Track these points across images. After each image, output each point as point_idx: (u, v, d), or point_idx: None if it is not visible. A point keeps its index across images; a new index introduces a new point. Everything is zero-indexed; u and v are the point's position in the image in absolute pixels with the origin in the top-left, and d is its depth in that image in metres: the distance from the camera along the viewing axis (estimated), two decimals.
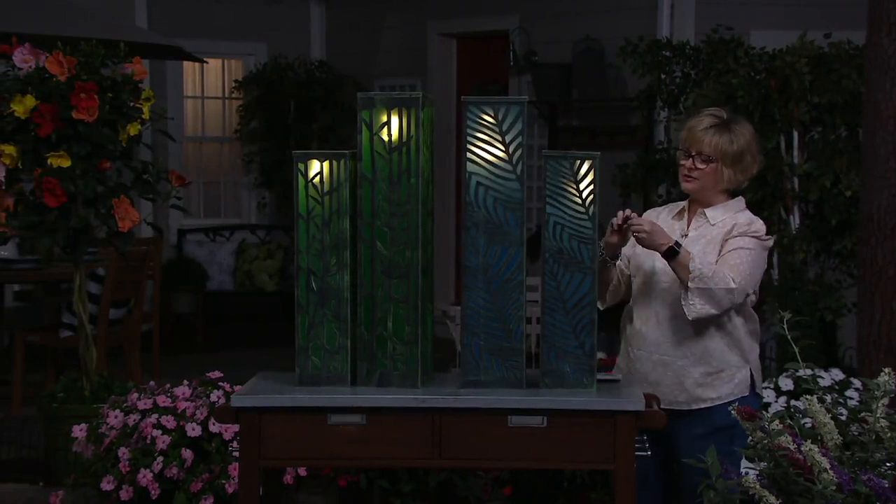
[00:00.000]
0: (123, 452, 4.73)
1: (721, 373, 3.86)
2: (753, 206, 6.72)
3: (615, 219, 3.78)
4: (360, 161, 3.54)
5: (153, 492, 4.66)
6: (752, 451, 3.17)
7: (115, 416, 4.86)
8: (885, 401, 3.17)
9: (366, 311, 3.57)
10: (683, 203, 4.00)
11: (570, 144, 9.01)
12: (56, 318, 7.65)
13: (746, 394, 3.88)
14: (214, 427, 4.74)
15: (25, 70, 5.25)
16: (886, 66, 5.12)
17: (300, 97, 10.86)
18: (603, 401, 3.49)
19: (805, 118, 6.78)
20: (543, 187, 3.56)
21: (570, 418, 3.47)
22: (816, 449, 2.97)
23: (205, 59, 9.81)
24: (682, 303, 3.74)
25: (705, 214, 3.90)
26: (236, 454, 3.58)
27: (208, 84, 11.31)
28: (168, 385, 5.01)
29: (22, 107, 5.16)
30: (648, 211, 4.08)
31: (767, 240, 3.85)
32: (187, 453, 4.70)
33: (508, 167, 3.52)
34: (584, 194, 3.54)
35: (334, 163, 3.56)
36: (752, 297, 3.89)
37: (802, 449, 2.98)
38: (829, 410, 3.23)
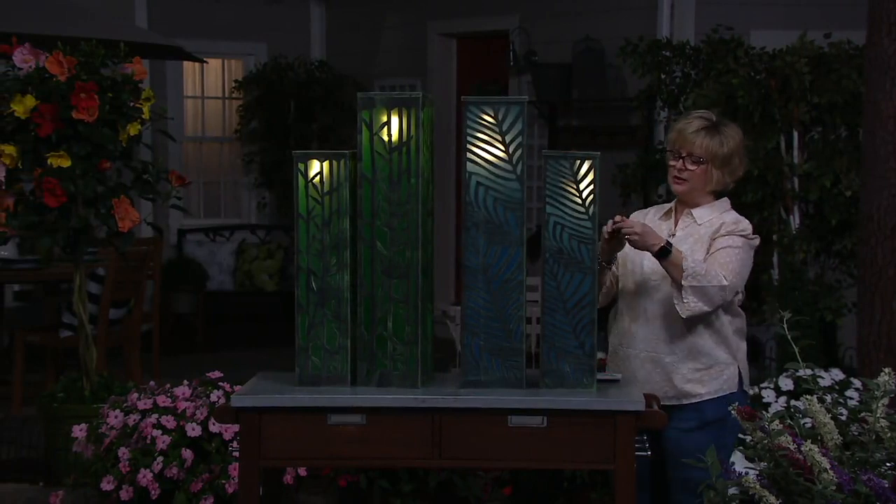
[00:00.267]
0: (123, 452, 4.73)
1: (710, 369, 3.91)
2: (753, 206, 6.79)
3: (606, 227, 3.80)
4: (360, 161, 3.54)
5: (153, 492, 4.66)
6: (752, 451, 3.17)
7: (115, 416, 4.86)
8: (885, 401, 3.17)
9: (366, 311, 3.57)
10: (670, 204, 4.06)
11: (570, 144, 9.01)
12: (56, 318, 7.65)
13: (735, 390, 3.93)
14: (214, 427, 4.74)
15: (25, 70, 5.25)
16: (886, 66, 5.12)
17: (300, 97, 10.86)
18: (603, 401, 3.50)
19: (805, 118, 6.78)
20: (543, 187, 3.57)
21: (570, 418, 3.47)
22: (816, 449, 2.97)
23: (205, 59, 9.80)
24: (676, 301, 3.78)
25: (692, 214, 3.95)
26: (236, 454, 3.58)
27: (208, 84, 11.31)
28: (168, 385, 5.01)
29: (22, 107, 5.16)
30: (635, 213, 4.13)
31: (754, 239, 3.91)
32: (187, 453, 4.70)
33: (508, 167, 3.52)
34: (584, 194, 3.54)
35: (334, 163, 3.56)
36: (740, 296, 3.94)
37: (802, 449, 2.98)
38: (829, 410, 3.23)
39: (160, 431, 4.74)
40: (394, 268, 3.55)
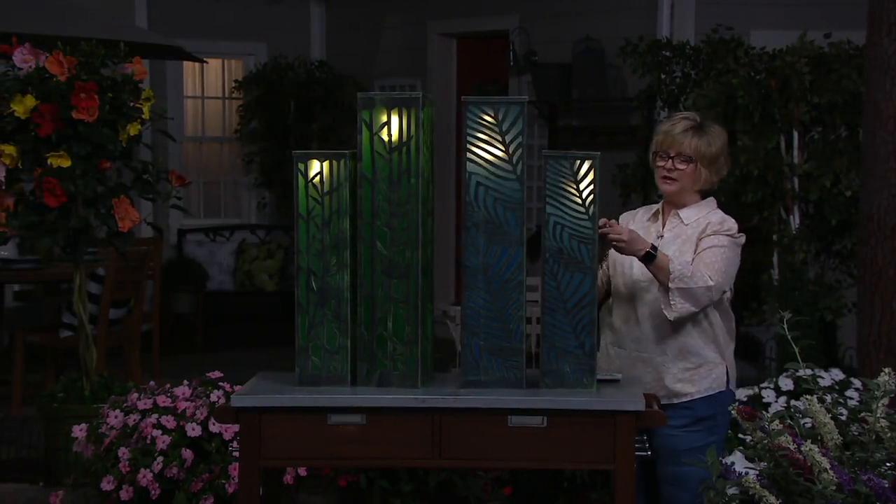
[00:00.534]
0: (123, 452, 4.73)
1: (699, 368, 3.96)
2: (753, 206, 6.79)
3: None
4: (360, 161, 3.54)
5: (153, 492, 4.66)
6: (752, 451, 3.17)
7: (115, 416, 4.86)
8: (885, 401, 3.17)
9: (366, 311, 3.57)
10: (657, 205, 4.11)
11: (570, 144, 9.01)
12: (56, 318, 7.65)
13: (723, 389, 3.99)
14: (214, 427, 4.74)
15: (25, 70, 5.25)
16: (886, 66, 5.12)
17: (300, 97, 10.86)
18: (603, 401, 3.50)
19: (805, 118, 6.78)
20: (543, 187, 3.57)
21: (570, 418, 3.47)
22: (816, 449, 2.97)
23: (205, 59, 9.80)
24: (663, 304, 3.84)
25: (679, 215, 4.01)
26: (236, 454, 3.58)
27: (208, 84, 11.31)
28: (168, 385, 5.01)
29: (22, 107, 5.16)
30: (624, 214, 4.19)
31: (740, 237, 3.96)
32: (187, 453, 4.70)
33: (508, 167, 3.52)
34: (584, 194, 3.54)
35: (334, 163, 3.56)
36: (728, 295, 4.00)
37: (802, 449, 2.98)
38: (829, 410, 3.23)
39: (160, 431, 4.74)
40: (394, 268, 3.55)
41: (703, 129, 3.98)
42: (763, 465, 3.12)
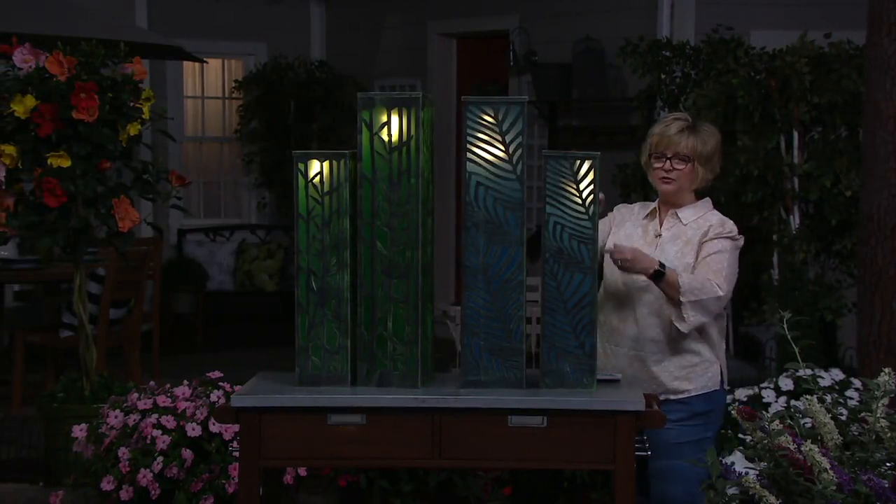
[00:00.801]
0: (123, 452, 4.72)
1: (695, 367, 4.01)
2: (753, 206, 6.79)
3: None
4: (360, 161, 3.54)
5: (153, 492, 4.66)
6: (752, 451, 3.18)
7: (115, 416, 4.86)
8: (885, 401, 3.17)
9: (366, 311, 3.57)
10: (653, 204, 4.14)
11: (570, 144, 9.00)
12: (56, 318, 7.64)
13: (717, 388, 4.05)
14: (214, 427, 4.74)
15: (25, 70, 5.25)
16: (886, 66, 5.12)
17: (300, 97, 10.86)
18: (603, 401, 3.50)
19: (805, 118, 6.78)
20: (543, 187, 3.57)
21: (570, 418, 3.47)
22: (816, 449, 2.97)
23: (205, 59, 9.80)
24: (674, 317, 3.88)
25: (677, 215, 4.05)
26: (236, 454, 3.58)
27: (208, 84, 11.31)
28: (168, 385, 5.01)
29: (22, 107, 5.16)
30: (619, 206, 4.23)
31: (739, 239, 4.01)
32: (187, 453, 4.70)
33: (508, 167, 3.52)
34: (584, 194, 3.54)
35: (334, 163, 3.56)
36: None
37: (802, 449, 2.98)
38: (829, 410, 3.23)
39: (160, 431, 4.73)
40: (394, 268, 3.55)
41: (696, 129, 4.03)
42: (763, 465, 3.12)
